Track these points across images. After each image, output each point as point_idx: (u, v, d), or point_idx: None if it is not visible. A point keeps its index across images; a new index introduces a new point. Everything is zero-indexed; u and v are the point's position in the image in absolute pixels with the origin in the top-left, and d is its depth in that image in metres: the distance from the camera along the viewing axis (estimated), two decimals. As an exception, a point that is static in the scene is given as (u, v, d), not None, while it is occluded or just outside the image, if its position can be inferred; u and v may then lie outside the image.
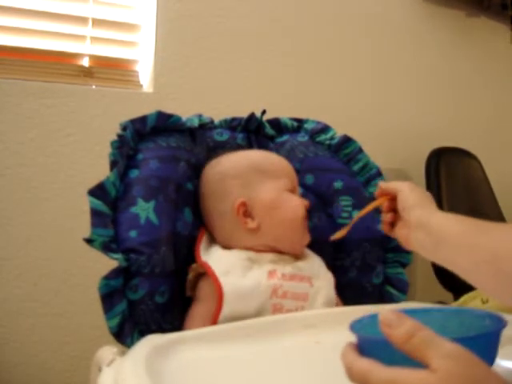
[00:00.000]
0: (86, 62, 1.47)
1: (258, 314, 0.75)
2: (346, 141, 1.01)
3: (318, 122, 1.04)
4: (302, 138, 1.02)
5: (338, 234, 0.83)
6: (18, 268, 1.31)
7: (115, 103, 1.41)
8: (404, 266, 0.95)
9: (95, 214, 0.76)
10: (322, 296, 0.80)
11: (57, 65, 1.44)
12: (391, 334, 0.39)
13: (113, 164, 0.81)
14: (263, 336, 0.67)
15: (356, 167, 0.99)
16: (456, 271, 0.66)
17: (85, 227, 0.76)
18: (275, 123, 1.03)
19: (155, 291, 0.76)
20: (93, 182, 0.78)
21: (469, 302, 1.09)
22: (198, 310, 0.78)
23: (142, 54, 1.54)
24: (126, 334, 0.73)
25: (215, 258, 0.80)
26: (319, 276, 0.83)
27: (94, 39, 1.48)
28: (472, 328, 0.46)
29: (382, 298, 0.94)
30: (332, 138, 1.01)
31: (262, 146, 1.00)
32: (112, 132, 0.84)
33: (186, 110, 0.98)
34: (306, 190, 0.96)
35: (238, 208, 0.83)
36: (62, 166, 1.35)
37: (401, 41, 1.89)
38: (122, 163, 0.82)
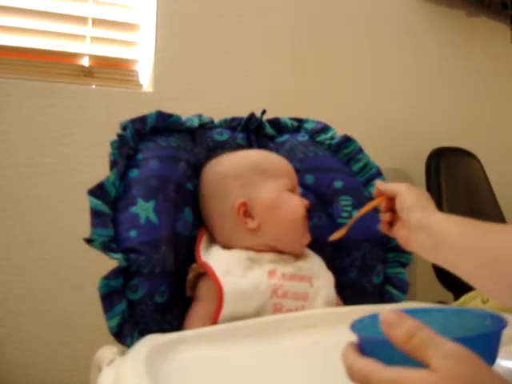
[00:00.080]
0: (85, 62, 1.47)
1: (258, 313, 0.75)
2: (346, 141, 1.01)
3: (318, 122, 1.04)
4: (302, 137, 1.02)
5: (336, 235, 0.83)
6: (18, 268, 1.31)
7: (115, 103, 1.41)
8: (404, 265, 0.95)
9: (95, 213, 0.76)
10: (322, 296, 0.80)
11: (57, 65, 1.44)
12: (392, 333, 0.39)
13: (113, 164, 0.81)
14: (263, 336, 0.67)
15: (356, 167, 0.99)
16: (456, 273, 0.66)
17: (85, 227, 0.76)
18: (275, 123, 1.03)
19: (155, 291, 0.76)
20: (93, 182, 0.77)
21: (469, 301, 1.09)
22: (198, 310, 0.78)
23: (141, 53, 1.54)
24: (125, 333, 0.73)
25: (215, 258, 0.80)
26: (319, 276, 0.83)
27: (94, 39, 1.48)
28: (472, 328, 0.46)
29: (382, 297, 0.94)
30: (332, 138, 1.01)
31: (262, 145, 1.00)
32: (112, 132, 0.84)
33: (186, 110, 0.98)
34: (306, 190, 0.96)
35: (238, 208, 0.83)
36: (62, 165, 1.35)
37: (401, 41, 1.89)
38: (122, 163, 0.82)
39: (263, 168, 0.86)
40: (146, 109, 0.90)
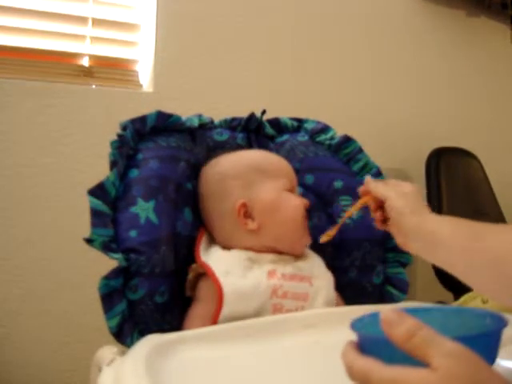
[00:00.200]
0: (85, 62, 1.47)
1: (258, 314, 0.75)
2: (346, 141, 1.01)
3: (318, 122, 1.04)
4: (302, 137, 1.02)
5: (326, 236, 0.83)
6: (18, 268, 1.31)
7: (115, 103, 1.41)
8: (404, 265, 0.95)
9: (95, 213, 0.76)
10: (322, 296, 0.80)
11: (57, 65, 1.44)
12: (392, 332, 0.39)
13: (113, 164, 0.81)
14: (263, 336, 0.67)
15: (356, 167, 0.99)
16: (454, 274, 0.66)
17: (85, 227, 0.76)
18: (275, 123, 1.03)
19: (155, 291, 0.76)
20: (93, 182, 0.77)
21: (469, 301, 1.09)
22: (198, 311, 0.78)
23: (141, 53, 1.54)
24: (125, 333, 0.73)
25: (215, 259, 0.80)
26: (319, 276, 0.83)
27: (94, 39, 1.48)
28: (473, 327, 0.46)
29: (382, 297, 0.94)
30: (332, 138, 1.01)
31: (262, 145, 1.00)
32: (112, 132, 0.84)
33: (186, 110, 0.98)
34: (306, 190, 0.96)
35: (238, 209, 0.83)
36: (62, 165, 1.35)
37: (401, 41, 1.89)
38: (122, 163, 0.82)
39: (262, 168, 0.86)
40: (146, 109, 0.90)
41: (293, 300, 0.78)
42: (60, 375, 1.33)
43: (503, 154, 2.07)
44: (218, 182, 0.86)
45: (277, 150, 1.00)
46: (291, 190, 0.87)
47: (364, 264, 0.94)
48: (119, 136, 0.84)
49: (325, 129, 1.03)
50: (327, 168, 0.98)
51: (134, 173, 0.83)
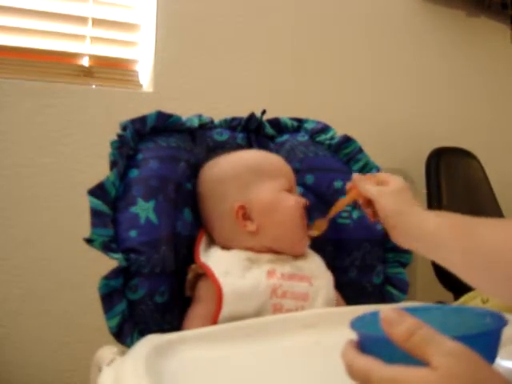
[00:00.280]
0: (85, 62, 1.47)
1: (258, 314, 0.75)
2: (346, 140, 1.01)
3: (318, 122, 1.04)
4: (302, 137, 1.02)
5: (316, 232, 0.85)
6: (18, 268, 1.31)
7: (115, 103, 1.41)
8: (404, 265, 0.95)
9: (95, 213, 0.76)
10: (322, 295, 0.80)
11: (57, 65, 1.44)
12: (392, 331, 0.39)
13: (113, 164, 0.81)
14: (263, 336, 0.67)
15: (356, 167, 0.99)
16: (454, 272, 0.66)
17: (85, 227, 0.76)
18: (275, 123, 1.03)
19: (155, 291, 0.76)
20: (93, 182, 0.77)
21: (469, 301, 1.09)
22: (198, 311, 0.78)
23: (141, 53, 1.54)
24: (125, 333, 0.73)
25: (214, 259, 0.80)
26: (319, 275, 0.83)
27: (94, 39, 1.48)
28: (472, 326, 0.46)
29: (383, 297, 0.94)
30: (332, 138, 1.01)
31: (262, 145, 1.00)
32: (112, 132, 0.84)
33: (186, 110, 0.98)
34: (306, 190, 0.96)
35: (236, 211, 0.83)
36: (61, 165, 1.35)
37: (401, 41, 1.89)
38: (122, 163, 0.82)
39: (260, 169, 0.86)
40: (146, 109, 0.90)
41: (292, 300, 0.78)
42: (60, 375, 1.33)
43: (503, 154, 2.07)
44: (216, 184, 0.86)
45: (277, 150, 1.00)
46: (290, 190, 0.86)
47: (364, 264, 0.94)
48: (119, 136, 0.84)
49: (325, 129, 1.03)
50: (327, 168, 0.98)
51: (134, 173, 0.83)
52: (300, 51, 1.71)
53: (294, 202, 0.85)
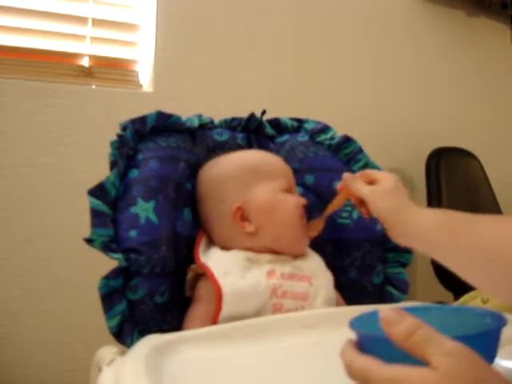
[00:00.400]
0: (86, 62, 1.47)
1: (258, 314, 0.75)
2: (346, 141, 1.00)
3: (318, 122, 1.04)
4: (302, 137, 1.02)
5: (313, 232, 0.85)
6: (18, 268, 1.31)
7: (115, 103, 1.41)
8: (404, 265, 0.95)
9: (95, 213, 0.76)
10: (322, 295, 0.80)
11: (57, 65, 1.44)
12: (391, 331, 0.39)
13: (113, 164, 0.81)
14: (263, 336, 0.67)
15: (356, 167, 0.99)
16: (453, 270, 0.66)
17: (85, 227, 0.76)
18: (275, 123, 1.03)
19: (155, 291, 0.76)
20: (93, 182, 0.77)
21: (469, 301, 1.09)
22: (198, 311, 0.78)
23: (141, 54, 1.54)
24: (125, 333, 0.73)
25: (214, 259, 0.80)
26: (319, 275, 0.83)
27: (94, 39, 1.48)
28: (472, 326, 0.46)
29: (382, 297, 0.94)
30: (332, 138, 1.01)
31: (262, 145, 1.00)
32: (112, 132, 0.84)
33: (186, 110, 0.98)
34: (306, 190, 0.96)
35: (234, 213, 0.83)
36: (62, 165, 1.35)
37: (401, 41, 1.89)
38: (122, 163, 0.82)
39: (258, 169, 0.86)
40: (146, 109, 0.90)
41: (292, 300, 0.78)
42: (60, 375, 1.33)
43: (503, 154, 2.07)
44: (215, 184, 0.86)
45: (277, 151, 1.00)
46: (289, 190, 0.86)
47: (364, 264, 0.93)
48: (119, 136, 0.84)
49: (325, 129, 1.03)
50: (327, 168, 0.98)
51: (134, 173, 0.83)
52: (300, 51, 1.71)
53: (293, 202, 0.85)
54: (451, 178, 1.74)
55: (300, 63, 1.70)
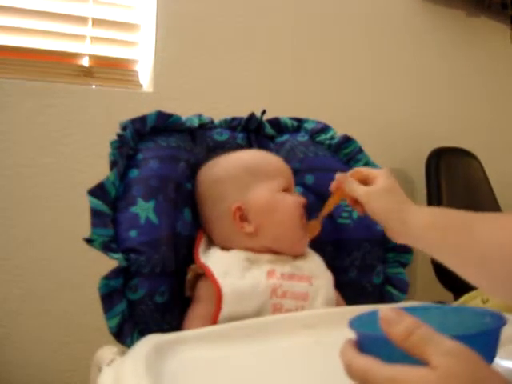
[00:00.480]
0: (85, 62, 1.47)
1: (258, 314, 0.75)
2: (346, 140, 1.01)
3: (318, 122, 1.04)
4: (302, 137, 1.02)
5: (311, 234, 0.85)
6: (18, 268, 1.31)
7: (115, 103, 1.41)
8: (404, 265, 0.95)
9: (95, 213, 0.76)
10: (322, 295, 0.80)
11: (57, 65, 1.44)
12: (391, 331, 0.39)
13: (113, 164, 0.81)
14: (263, 336, 0.67)
15: (356, 167, 0.99)
16: (453, 269, 0.66)
17: (85, 227, 0.76)
18: (275, 123, 1.03)
19: (155, 291, 0.76)
20: (93, 182, 0.78)
21: (469, 301, 1.09)
22: (198, 311, 0.78)
23: (141, 53, 1.54)
24: (125, 333, 0.73)
25: (214, 260, 0.80)
26: (319, 275, 0.83)
27: (94, 39, 1.48)
28: (472, 326, 0.46)
29: (382, 297, 0.94)
30: (332, 138, 1.01)
31: (262, 145, 1.00)
32: (112, 132, 0.84)
33: (186, 110, 0.98)
34: (306, 190, 0.96)
35: (234, 213, 0.83)
36: (62, 165, 1.35)
37: (401, 41, 1.89)
38: (122, 163, 0.82)
39: (257, 169, 0.86)
40: (146, 109, 0.90)
41: (292, 299, 0.78)
42: (60, 375, 1.33)
43: (503, 154, 2.07)
44: (214, 185, 0.86)
45: (277, 150, 1.00)
46: (288, 189, 0.86)
47: (364, 264, 0.93)
48: (119, 136, 0.84)
49: (325, 129, 1.03)
50: (327, 168, 0.98)
51: (134, 173, 0.83)
52: (300, 51, 1.70)
53: (291, 202, 0.84)
54: (451, 178, 1.74)
55: (300, 63, 1.70)
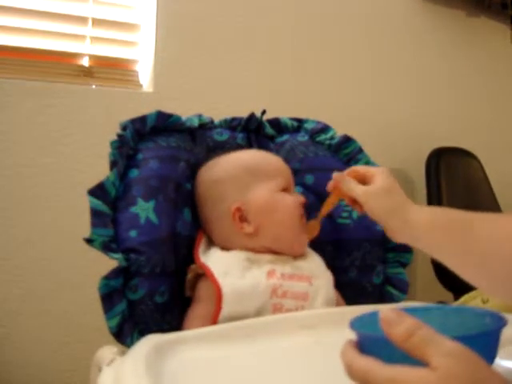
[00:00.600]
0: (85, 62, 1.47)
1: (258, 313, 0.75)
2: (346, 141, 1.00)
3: (318, 122, 1.04)
4: (302, 137, 1.02)
5: (310, 235, 0.85)
6: (18, 268, 1.31)
7: (115, 103, 1.41)
8: (404, 265, 0.95)
9: (95, 213, 0.76)
10: (322, 295, 0.80)
11: (57, 65, 1.44)
12: (391, 332, 0.39)
13: (113, 164, 0.81)
14: (263, 336, 0.67)
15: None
16: (453, 270, 0.66)
17: (85, 227, 0.76)
18: (275, 123, 1.03)
19: (155, 291, 0.76)
20: (93, 182, 0.78)
21: (469, 301, 1.09)
22: (198, 311, 0.78)
23: (141, 53, 1.54)
24: (125, 333, 0.73)
25: (214, 260, 0.80)
26: (319, 275, 0.83)
27: (94, 39, 1.48)
28: (472, 326, 0.46)
29: (382, 297, 0.93)
30: (332, 138, 1.01)
31: (262, 145, 1.00)
32: (112, 132, 0.84)
33: (186, 110, 0.98)
34: (306, 190, 0.96)
35: (233, 214, 0.83)
36: (62, 165, 1.35)
37: (401, 41, 1.89)
38: (122, 163, 0.82)
39: (256, 169, 0.86)
40: (146, 109, 0.90)
41: (292, 299, 0.78)
42: (60, 375, 1.33)
43: (503, 154, 2.07)
44: (214, 185, 0.86)
45: (277, 150, 1.00)
46: (287, 189, 0.86)
47: (364, 264, 0.93)
48: (119, 136, 0.84)
49: (325, 129, 1.03)
50: (327, 168, 0.98)
51: (134, 173, 0.83)
52: (300, 51, 1.71)
53: (290, 202, 0.84)
54: (451, 178, 1.74)
55: (300, 63, 1.70)
